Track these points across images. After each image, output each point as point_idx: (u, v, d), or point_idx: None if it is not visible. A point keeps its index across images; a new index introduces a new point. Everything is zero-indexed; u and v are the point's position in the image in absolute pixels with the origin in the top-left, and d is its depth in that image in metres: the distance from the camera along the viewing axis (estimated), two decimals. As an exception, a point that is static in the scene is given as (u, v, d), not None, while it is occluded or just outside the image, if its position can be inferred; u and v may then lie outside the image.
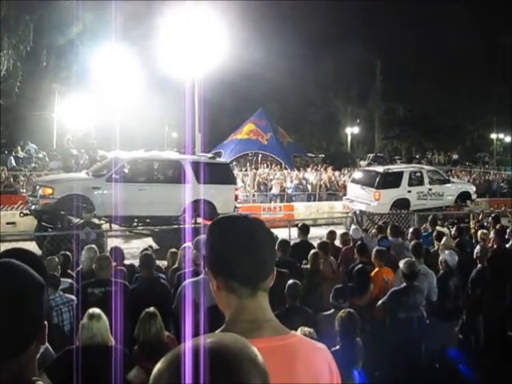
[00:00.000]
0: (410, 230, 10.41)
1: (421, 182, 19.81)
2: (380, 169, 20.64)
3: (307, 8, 48.73)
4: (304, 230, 9.73)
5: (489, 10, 51.52)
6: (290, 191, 24.87)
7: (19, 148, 31.71)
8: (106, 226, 15.61)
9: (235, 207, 16.37)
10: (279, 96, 49.38)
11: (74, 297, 6.37)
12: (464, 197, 20.77)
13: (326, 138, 61.45)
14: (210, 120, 28.47)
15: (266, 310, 1.84)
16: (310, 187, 25.71)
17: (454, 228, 10.47)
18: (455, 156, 51.13)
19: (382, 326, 6.84)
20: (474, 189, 22.16)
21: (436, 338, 7.28)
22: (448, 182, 21.02)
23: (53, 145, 37.50)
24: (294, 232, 12.82)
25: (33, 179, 21.75)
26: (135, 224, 15.77)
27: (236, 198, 16.60)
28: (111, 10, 23.37)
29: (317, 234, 15.05)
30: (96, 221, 15.15)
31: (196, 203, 15.25)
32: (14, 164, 28.52)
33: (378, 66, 58.44)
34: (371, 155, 48.95)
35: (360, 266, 7.96)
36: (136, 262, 10.22)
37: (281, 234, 13.31)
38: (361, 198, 19.36)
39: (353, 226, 11.17)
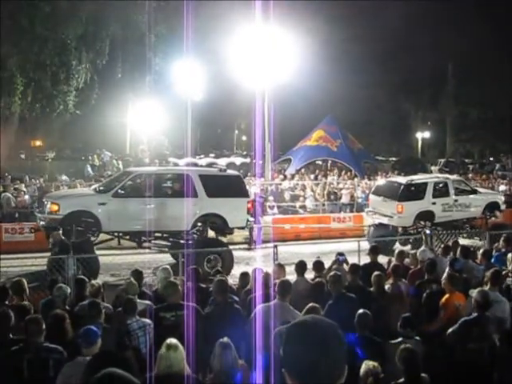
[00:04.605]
0: (481, 251, 10.15)
1: (446, 193, 18.94)
2: (403, 180, 19.65)
3: (378, 12, 48.42)
4: (374, 250, 9.77)
5: None
6: (360, 200, 24.62)
7: (95, 156, 33.00)
8: (114, 241, 15.35)
9: (248, 221, 15.67)
10: (349, 100, 49.00)
11: (149, 321, 6.62)
12: (492, 207, 19.99)
13: (396, 142, 60.63)
14: (279, 127, 28.75)
15: None
16: (380, 196, 25.38)
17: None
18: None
19: (451, 353, 6.80)
20: (503, 199, 21.34)
21: (510, 366, 7.16)
22: (475, 192, 20.05)
23: (126, 151, 38.90)
24: (363, 243, 12.93)
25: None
26: (144, 239, 14.90)
27: (249, 211, 15.58)
28: (183, 23, 24.12)
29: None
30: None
31: (205, 217, 14.86)
32: (91, 172, 29.72)
33: (449, 68, 57.10)
34: (442, 160, 47.83)
35: (428, 291, 7.92)
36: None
37: (350, 246, 13.46)
38: (383, 210, 18.53)
39: (421, 247, 11.03)
